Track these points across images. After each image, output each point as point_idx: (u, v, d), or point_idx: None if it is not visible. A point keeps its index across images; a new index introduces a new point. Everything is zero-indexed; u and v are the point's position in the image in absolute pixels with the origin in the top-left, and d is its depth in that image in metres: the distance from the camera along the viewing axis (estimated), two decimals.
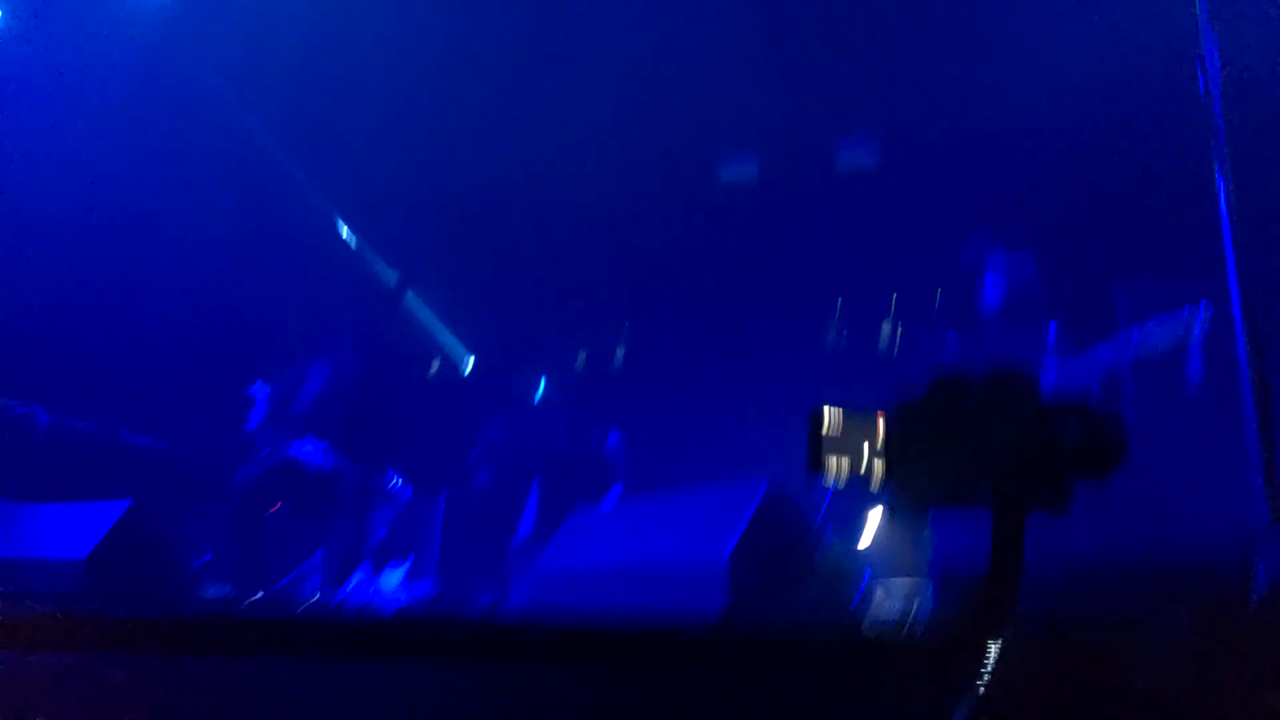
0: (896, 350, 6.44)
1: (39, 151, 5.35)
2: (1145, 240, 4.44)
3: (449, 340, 6.98)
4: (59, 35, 5.36)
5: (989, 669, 1.61)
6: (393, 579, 4.85)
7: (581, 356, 6.38)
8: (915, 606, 3.94)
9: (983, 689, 1.54)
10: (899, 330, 6.43)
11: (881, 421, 1.14)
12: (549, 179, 6.19)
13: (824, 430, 1.15)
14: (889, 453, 1.14)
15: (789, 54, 5.53)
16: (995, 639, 1.68)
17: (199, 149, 5.80)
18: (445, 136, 6.06)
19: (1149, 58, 3.83)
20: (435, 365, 6.58)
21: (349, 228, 6.06)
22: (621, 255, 6.41)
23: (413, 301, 7.04)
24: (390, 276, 6.89)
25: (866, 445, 1.15)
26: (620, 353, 6.36)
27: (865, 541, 4.83)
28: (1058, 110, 4.72)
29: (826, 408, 1.15)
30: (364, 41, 5.56)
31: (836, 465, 1.15)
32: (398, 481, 5.04)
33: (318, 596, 4.45)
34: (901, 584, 4.38)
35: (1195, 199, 2.23)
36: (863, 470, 1.15)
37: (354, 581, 4.47)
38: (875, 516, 4.81)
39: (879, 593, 4.29)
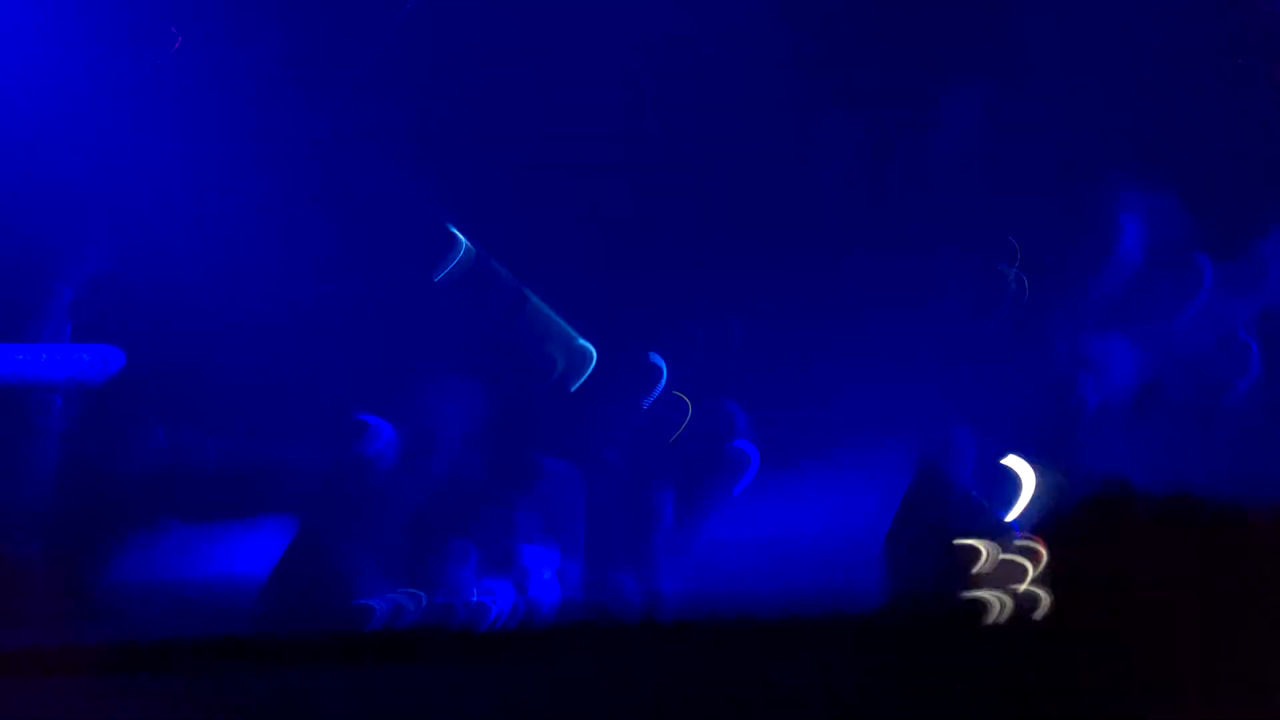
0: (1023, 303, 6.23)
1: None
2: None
3: (568, 335, 7.04)
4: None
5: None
6: (544, 578, 4.94)
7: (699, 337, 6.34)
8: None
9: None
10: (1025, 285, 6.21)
11: None
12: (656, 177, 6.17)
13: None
14: None
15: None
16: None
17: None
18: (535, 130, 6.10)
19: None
20: (560, 364, 6.63)
21: (463, 236, 6.15)
22: (739, 232, 6.34)
23: (527, 301, 7.11)
24: (505, 278, 6.96)
25: None
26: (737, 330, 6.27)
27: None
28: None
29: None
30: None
31: None
32: (538, 483, 5.12)
33: (474, 604, 4.55)
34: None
35: None
36: None
37: (507, 586, 4.57)
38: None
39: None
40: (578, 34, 5.74)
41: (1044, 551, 4.24)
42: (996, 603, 2.82)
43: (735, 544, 3.20)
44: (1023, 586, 4.23)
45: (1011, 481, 4.78)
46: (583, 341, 7.04)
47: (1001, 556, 2.99)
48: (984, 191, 5.71)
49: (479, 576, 4.67)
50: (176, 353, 5.33)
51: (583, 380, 6.14)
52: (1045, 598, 3.06)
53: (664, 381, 6.08)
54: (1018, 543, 3.97)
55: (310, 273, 5.83)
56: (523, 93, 5.89)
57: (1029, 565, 4.25)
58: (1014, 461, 4.78)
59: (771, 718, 1.59)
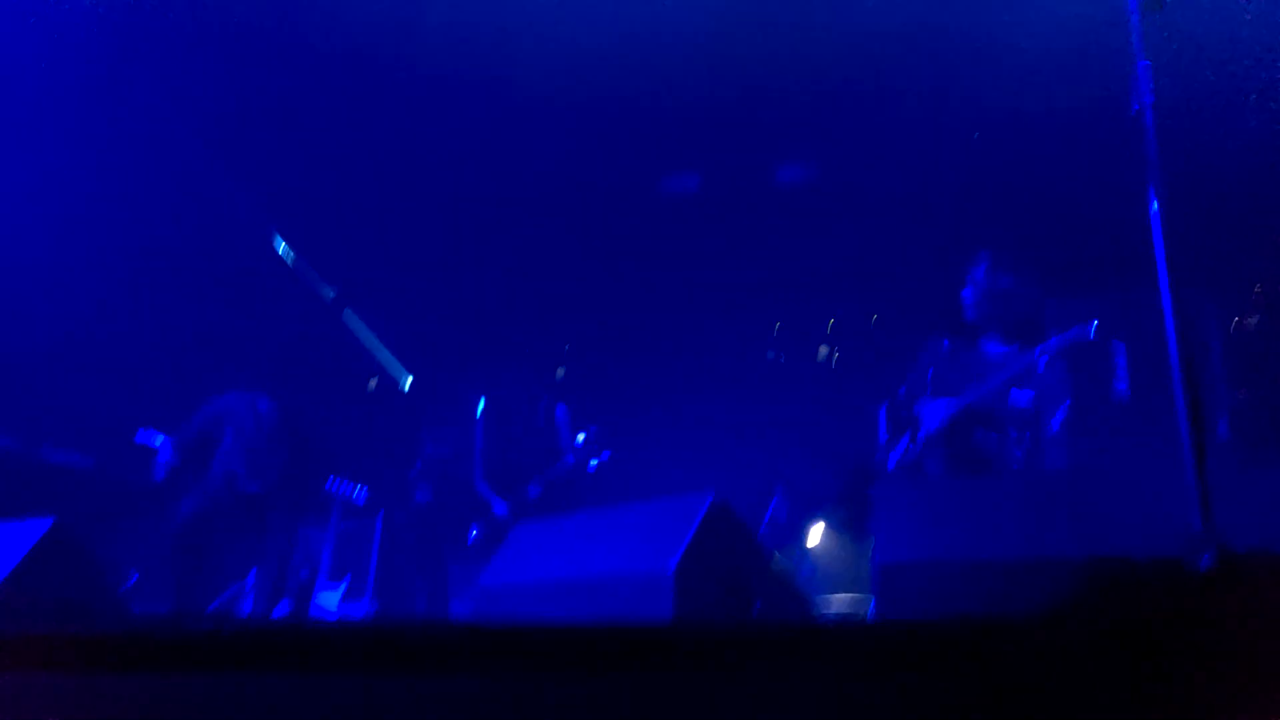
0: (834, 363, 6.56)
1: None
2: (1078, 259, 4.58)
3: (387, 357, 6.90)
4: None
5: (933, 671, 1.63)
6: (330, 599, 4.75)
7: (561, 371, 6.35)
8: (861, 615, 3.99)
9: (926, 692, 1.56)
10: (835, 352, 6.56)
11: None
12: (490, 191, 6.18)
13: None
14: None
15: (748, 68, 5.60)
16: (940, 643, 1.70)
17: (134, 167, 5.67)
18: (382, 145, 6.02)
19: (1083, 74, 3.96)
20: (373, 382, 6.49)
21: (285, 243, 5.96)
22: (566, 269, 6.43)
23: (350, 318, 6.95)
24: (327, 292, 6.80)
25: None
26: (560, 371, 6.33)
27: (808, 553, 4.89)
28: (994, 130, 4.85)
29: None
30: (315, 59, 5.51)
31: None
32: (334, 499, 4.95)
33: (250, 616, 4.34)
34: (845, 598, 4.43)
35: (1128, 219, 2.31)
36: None
37: (288, 602, 4.36)
38: (817, 531, 4.90)
39: (824, 603, 4.34)
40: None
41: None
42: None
43: (535, 576, 3.14)
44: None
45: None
46: (399, 364, 6.91)
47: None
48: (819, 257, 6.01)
49: (255, 588, 4.45)
50: None
51: (395, 400, 6.02)
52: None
53: (479, 412, 6.01)
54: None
55: (104, 269, 5.53)
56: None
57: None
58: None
59: None
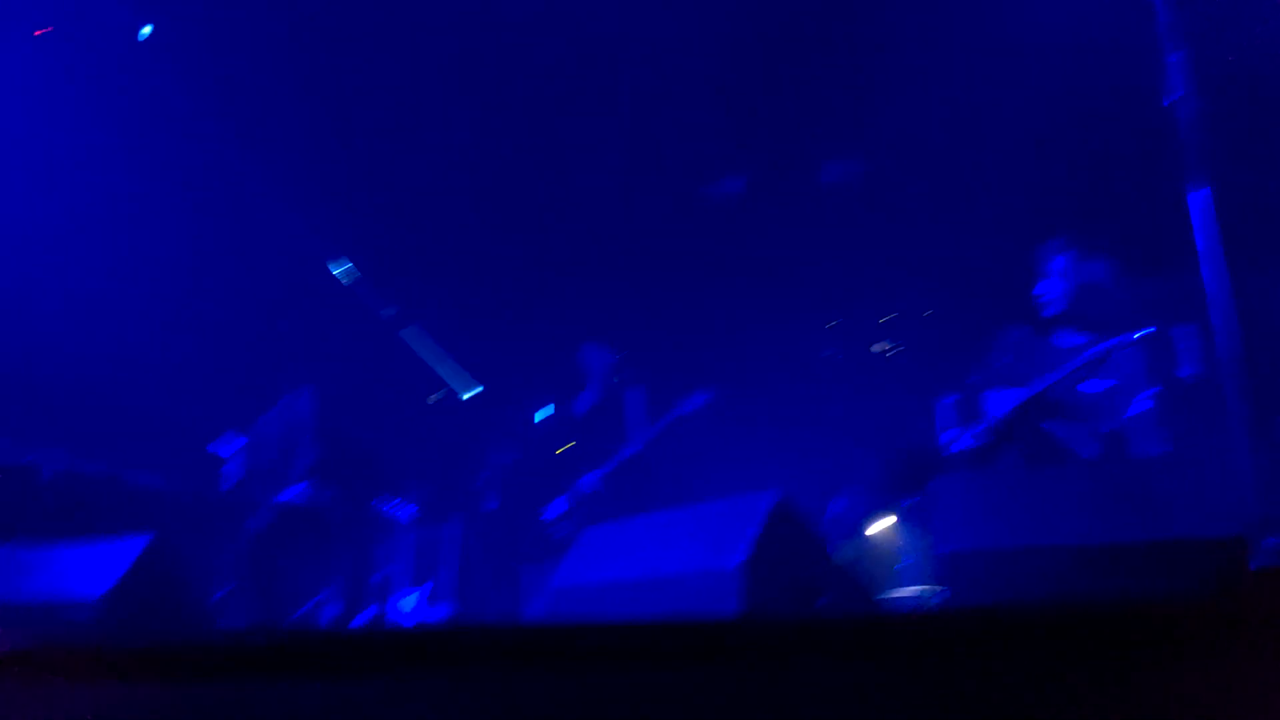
0: (889, 358, 6.55)
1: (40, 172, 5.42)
2: (1121, 245, 4.54)
3: (454, 367, 7.06)
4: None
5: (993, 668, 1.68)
6: (409, 604, 4.90)
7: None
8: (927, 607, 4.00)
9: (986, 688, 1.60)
10: (891, 348, 6.54)
11: None
12: (542, 200, 6.30)
13: None
14: None
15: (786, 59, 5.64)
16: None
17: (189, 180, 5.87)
18: (437, 156, 6.17)
19: (1115, 64, 3.94)
20: (439, 395, 6.64)
21: (348, 259, 6.14)
22: (622, 274, 6.51)
23: (414, 331, 7.12)
24: (390, 304, 6.97)
25: None
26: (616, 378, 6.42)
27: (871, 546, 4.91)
28: (1024, 117, 4.83)
29: None
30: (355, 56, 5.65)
31: None
32: (411, 510, 5.09)
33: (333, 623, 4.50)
34: (909, 591, 4.45)
35: (1170, 206, 2.33)
36: None
37: (370, 610, 4.51)
38: (879, 525, 4.91)
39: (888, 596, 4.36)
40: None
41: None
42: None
43: (606, 577, 3.23)
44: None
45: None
46: (466, 374, 7.06)
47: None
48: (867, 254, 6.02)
49: (338, 597, 4.60)
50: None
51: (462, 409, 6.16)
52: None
53: (543, 416, 6.14)
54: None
55: (171, 287, 5.74)
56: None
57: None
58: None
59: None
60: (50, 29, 4.60)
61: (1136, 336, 3.73)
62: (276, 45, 5.67)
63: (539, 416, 6.52)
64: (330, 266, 5.51)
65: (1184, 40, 2.06)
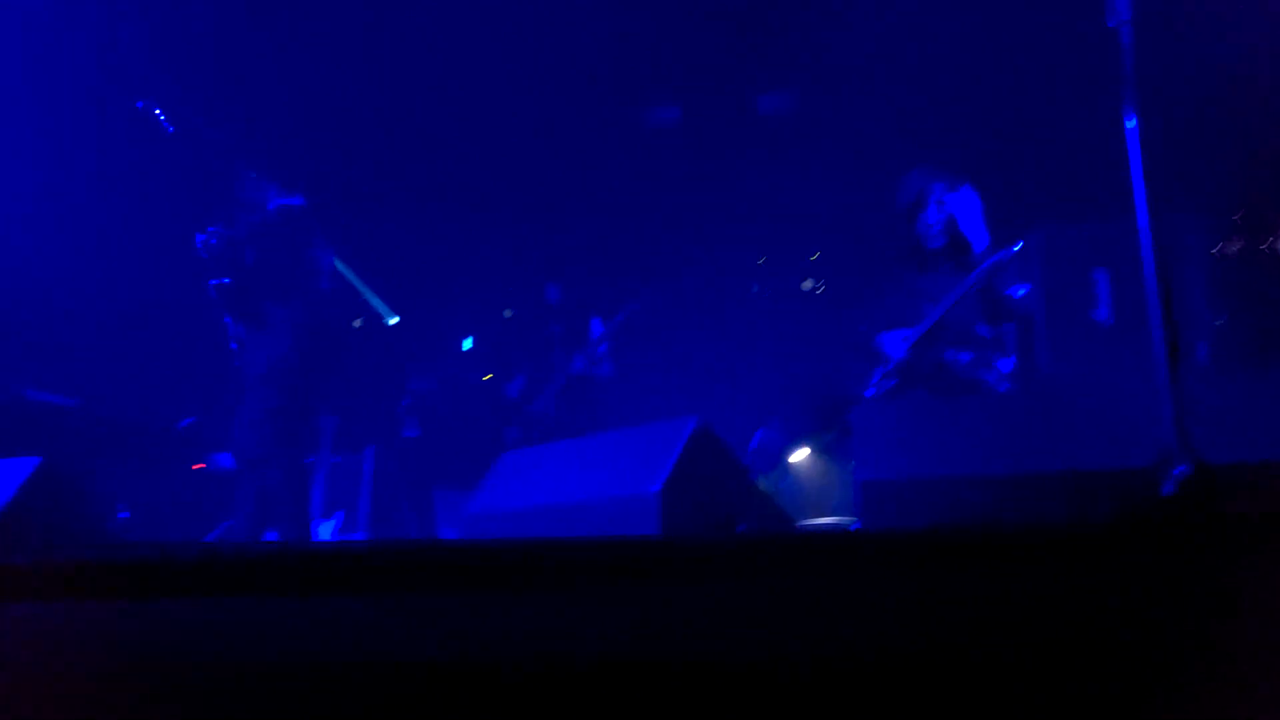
0: (819, 291, 6.58)
1: None
2: (1068, 186, 4.58)
3: (373, 298, 6.86)
4: None
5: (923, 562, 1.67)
6: (324, 532, 4.80)
7: (507, 313, 6.36)
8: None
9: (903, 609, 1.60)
10: (820, 284, 6.57)
11: None
12: (470, 131, 6.12)
13: None
14: None
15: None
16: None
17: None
18: (368, 84, 5.94)
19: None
20: (358, 322, 6.47)
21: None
22: (550, 207, 6.39)
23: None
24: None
25: None
26: (507, 312, 6.35)
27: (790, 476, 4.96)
28: (965, 52, 4.80)
29: None
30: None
31: None
32: (323, 436, 4.97)
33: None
34: (828, 520, 4.51)
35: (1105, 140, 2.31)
36: None
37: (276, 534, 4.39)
38: (799, 455, 4.96)
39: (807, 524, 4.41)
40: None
41: None
42: None
43: (523, 502, 3.19)
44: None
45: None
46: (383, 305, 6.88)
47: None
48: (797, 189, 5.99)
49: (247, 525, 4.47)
50: None
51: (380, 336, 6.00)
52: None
53: (467, 346, 6.03)
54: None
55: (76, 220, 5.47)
56: None
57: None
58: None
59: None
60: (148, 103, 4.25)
61: (1016, 249, 3.81)
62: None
63: (464, 346, 6.41)
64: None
65: None
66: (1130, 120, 2.14)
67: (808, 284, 7.09)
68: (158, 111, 4.12)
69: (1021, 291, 3.88)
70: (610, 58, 5.91)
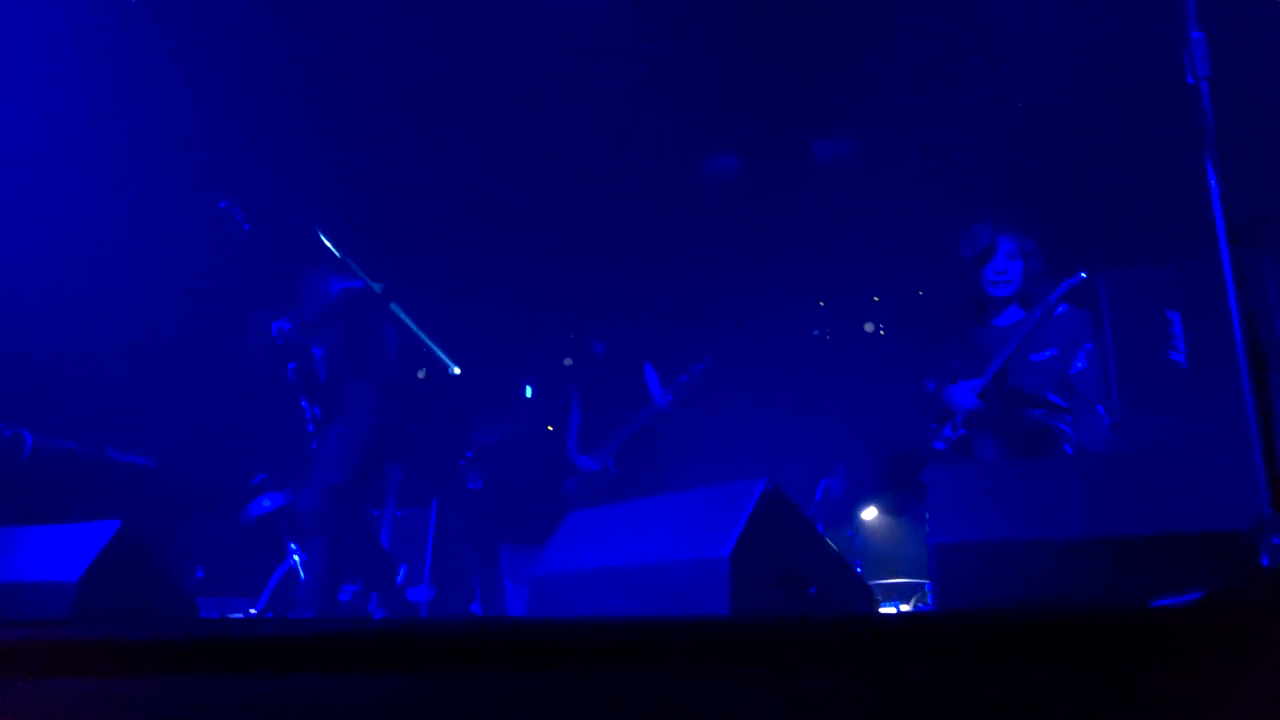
0: (880, 333, 6.50)
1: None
2: (1135, 232, 4.49)
3: (434, 348, 6.94)
4: None
5: (995, 661, 1.62)
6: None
7: (567, 361, 6.38)
8: (915, 604, 3.97)
9: (987, 681, 1.55)
10: (881, 329, 6.50)
11: None
12: (529, 181, 6.19)
13: None
14: None
15: (770, 49, 5.54)
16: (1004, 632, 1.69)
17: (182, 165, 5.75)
18: (425, 140, 6.05)
19: (1137, 46, 3.87)
20: (422, 373, 6.54)
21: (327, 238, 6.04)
22: (607, 256, 6.42)
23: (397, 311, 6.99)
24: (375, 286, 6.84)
25: None
26: (568, 360, 6.36)
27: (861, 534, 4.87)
28: (1044, 102, 4.75)
29: None
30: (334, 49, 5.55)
31: None
32: (388, 489, 5.02)
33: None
34: (899, 580, 4.42)
35: (1187, 190, 2.26)
36: None
37: (347, 593, 4.44)
38: (870, 513, 4.88)
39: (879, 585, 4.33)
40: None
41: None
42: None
43: (591, 565, 3.17)
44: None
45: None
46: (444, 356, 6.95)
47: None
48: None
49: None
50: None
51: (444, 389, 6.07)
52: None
53: (528, 396, 6.05)
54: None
55: (154, 273, 5.63)
56: None
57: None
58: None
59: None
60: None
61: (1055, 296, 3.77)
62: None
63: (527, 393, 6.44)
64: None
65: (1203, 21, 1.98)
66: (1211, 175, 2.08)
67: (869, 326, 7.01)
68: (237, 212, 4.37)
69: (1079, 365, 3.81)
70: (669, 107, 5.96)
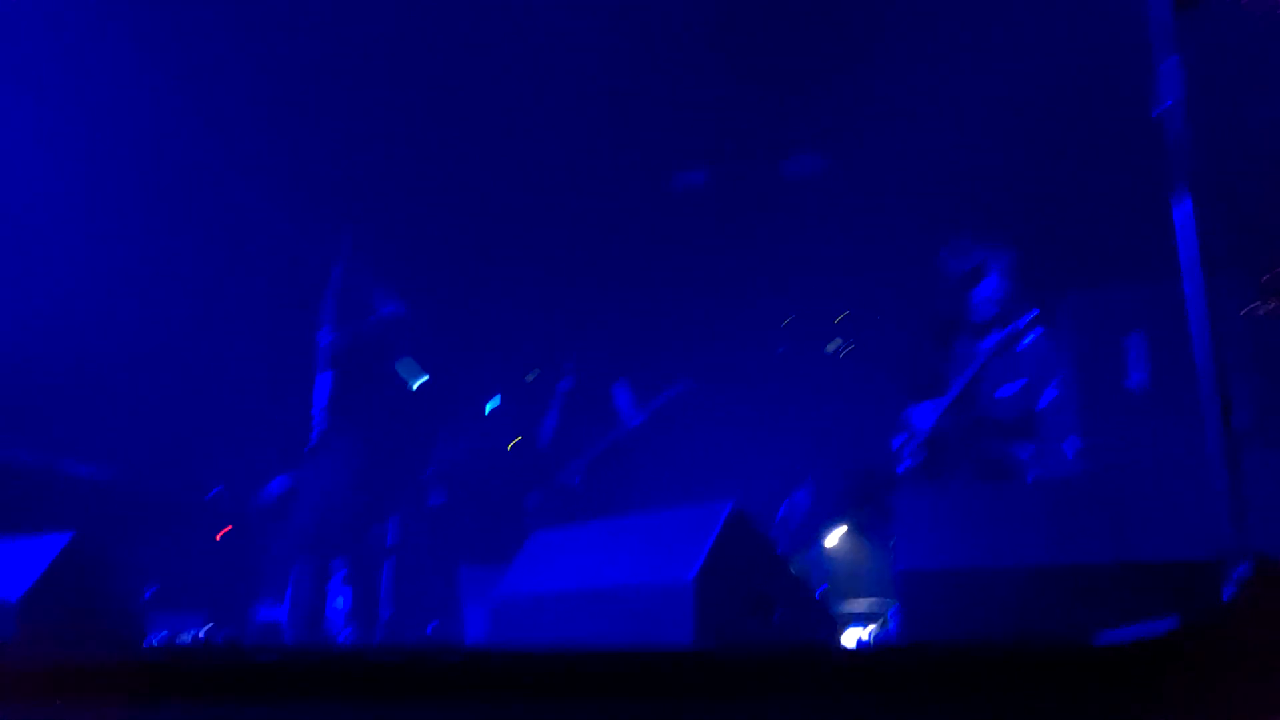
0: (844, 356, 6.51)
1: None
2: (1104, 255, 4.52)
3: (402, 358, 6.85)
4: None
5: (965, 681, 1.60)
6: (341, 604, 4.74)
7: (533, 374, 6.32)
8: (881, 625, 3.96)
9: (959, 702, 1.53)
10: (848, 345, 6.51)
11: None
12: (493, 194, 6.15)
13: None
14: None
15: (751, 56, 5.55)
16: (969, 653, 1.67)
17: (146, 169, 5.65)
18: (399, 149, 6.00)
19: (1106, 72, 3.90)
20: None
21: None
22: (575, 266, 6.39)
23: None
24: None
25: None
26: (531, 375, 6.33)
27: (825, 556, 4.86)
28: (1013, 122, 4.79)
29: None
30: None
31: None
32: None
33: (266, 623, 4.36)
34: (864, 602, 4.40)
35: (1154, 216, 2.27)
36: None
37: (298, 609, 4.35)
38: (835, 535, 4.86)
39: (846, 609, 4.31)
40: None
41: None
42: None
43: (552, 586, 3.12)
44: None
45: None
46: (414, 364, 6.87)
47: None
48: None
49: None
50: None
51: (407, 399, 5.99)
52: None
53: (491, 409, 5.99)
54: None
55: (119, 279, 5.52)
56: None
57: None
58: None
59: None
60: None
61: (1024, 323, 3.77)
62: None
63: (488, 408, 6.37)
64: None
65: (1177, 47, 1.98)
66: (1184, 201, 2.07)
67: (833, 345, 7.01)
68: None
69: (1051, 394, 3.81)
70: (636, 122, 5.95)
